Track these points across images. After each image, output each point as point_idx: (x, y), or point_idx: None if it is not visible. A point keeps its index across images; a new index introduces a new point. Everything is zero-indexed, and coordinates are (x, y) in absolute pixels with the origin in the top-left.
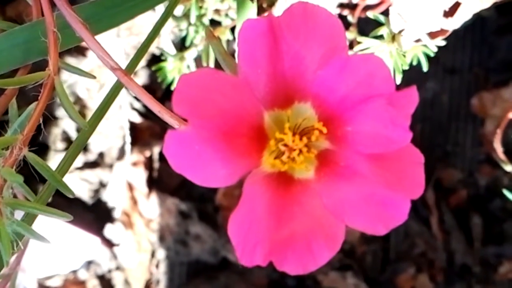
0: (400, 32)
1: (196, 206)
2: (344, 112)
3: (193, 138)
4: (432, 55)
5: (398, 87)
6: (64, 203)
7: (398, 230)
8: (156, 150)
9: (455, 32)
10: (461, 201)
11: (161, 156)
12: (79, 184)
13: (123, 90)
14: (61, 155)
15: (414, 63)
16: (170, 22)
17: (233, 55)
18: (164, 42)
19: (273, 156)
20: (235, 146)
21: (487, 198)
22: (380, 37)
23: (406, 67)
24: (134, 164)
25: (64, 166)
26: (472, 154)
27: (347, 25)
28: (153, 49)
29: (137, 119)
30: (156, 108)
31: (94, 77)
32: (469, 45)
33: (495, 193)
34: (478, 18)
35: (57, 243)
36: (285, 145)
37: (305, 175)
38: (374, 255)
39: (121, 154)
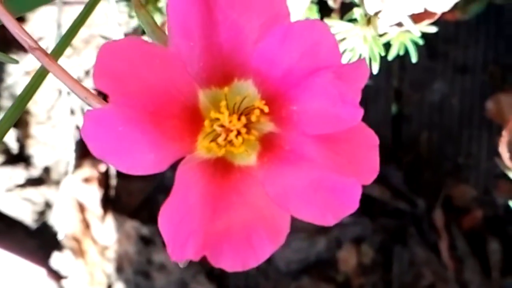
0: (376, 14)
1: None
2: (288, 89)
3: (116, 118)
4: (420, 43)
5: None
6: (3, 227)
7: (401, 258)
8: None
9: (466, 23)
10: (475, 223)
11: (119, 172)
12: (21, 204)
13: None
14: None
15: (401, 52)
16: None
17: None
18: (114, 33)
19: (208, 139)
20: (165, 128)
21: (507, 220)
22: (355, 20)
23: (383, 54)
24: (86, 180)
25: None
26: (488, 168)
27: (328, 11)
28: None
29: None
30: (83, 93)
31: (17, 62)
32: (483, 38)
33: None
34: (493, 7)
35: None
36: (221, 125)
37: (246, 161)
38: None
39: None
